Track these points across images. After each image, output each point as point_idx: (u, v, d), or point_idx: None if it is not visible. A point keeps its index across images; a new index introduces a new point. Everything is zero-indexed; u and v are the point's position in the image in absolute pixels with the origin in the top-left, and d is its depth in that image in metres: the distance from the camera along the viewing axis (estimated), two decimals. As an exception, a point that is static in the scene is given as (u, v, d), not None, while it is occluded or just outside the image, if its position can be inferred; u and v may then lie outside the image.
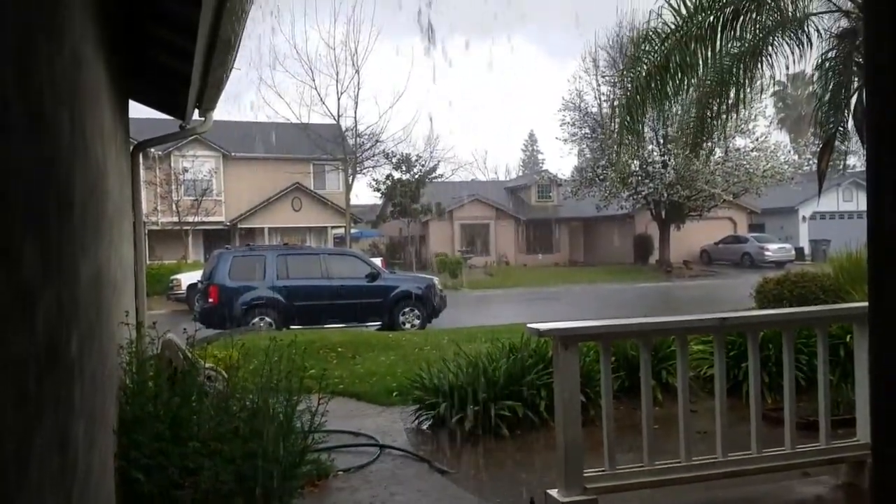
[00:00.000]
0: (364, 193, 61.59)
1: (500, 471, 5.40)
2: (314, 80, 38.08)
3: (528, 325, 4.39)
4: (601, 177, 32.51)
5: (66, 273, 2.26)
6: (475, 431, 5.82)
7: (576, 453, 4.07)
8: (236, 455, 3.83)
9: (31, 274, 1.70)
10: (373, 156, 35.44)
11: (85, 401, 2.58)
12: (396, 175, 36.19)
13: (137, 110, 7.10)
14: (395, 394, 7.42)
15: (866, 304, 1.11)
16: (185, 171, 32.30)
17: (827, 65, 9.24)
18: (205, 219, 31.70)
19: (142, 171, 7.51)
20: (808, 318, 5.34)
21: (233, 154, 34.59)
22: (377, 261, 20.29)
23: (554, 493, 4.07)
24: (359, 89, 34.84)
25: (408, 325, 15.39)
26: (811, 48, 9.39)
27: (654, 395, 5.43)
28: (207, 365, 5.06)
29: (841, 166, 31.48)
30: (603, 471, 4.18)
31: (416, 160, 36.45)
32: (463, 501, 4.87)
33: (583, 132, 35.80)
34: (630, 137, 10.33)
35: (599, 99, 34.72)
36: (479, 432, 5.82)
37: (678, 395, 4.44)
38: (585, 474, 4.10)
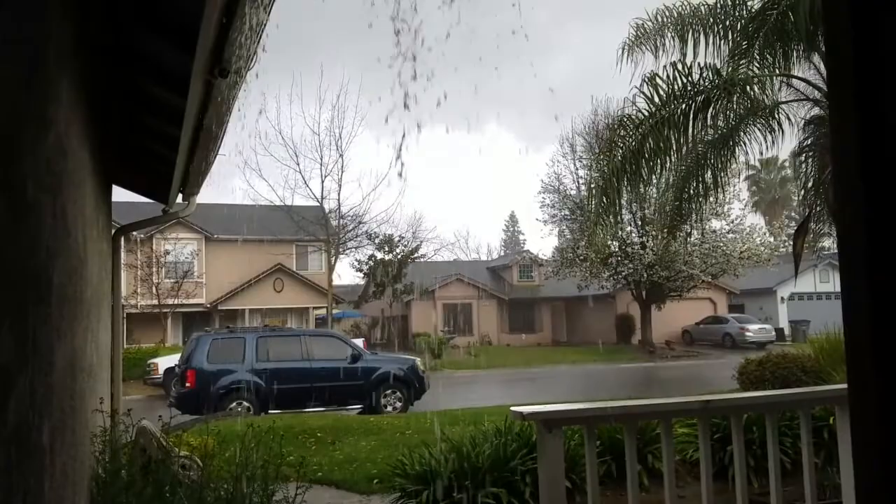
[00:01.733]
0: (346, 274, 61.53)
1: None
2: (298, 164, 38.63)
3: (512, 409, 4.32)
4: (581, 257, 32.80)
5: (41, 360, 2.22)
6: (458, 520, 5.65)
7: (561, 543, 3.95)
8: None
9: (4, 361, 1.67)
10: (355, 237, 35.56)
11: (54, 492, 2.50)
12: (379, 255, 36.34)
13: (121, 193, 7.14)
14: (375, 481, 7.22)
15: (846, 385, 1.11)
16: (167, 253, 32.06)
17: (802, 151, 9.57)
18: (185, 301, 31.24)
19: (123, 254, 7.47)
20: (791, 401, 5.32)
21: (215, 236, 34.51)
22: (359, 341, 20.11)
23: (540, 585, 3.93)
24: (342, 172, 35.39)
25: (389, 408, 15.12)
26: (782, 134, 9.74)
27: (641, 480, 5.32)
28: (182, 453, 4.92)
29: (816, 248, 32.10)
30: (590, 561, 4.05)
31: (399, 241, 36.70)
32: None
33: (562, 213, 36.45)
34: (608, 219, 10.50)
35: (577, 182, 35.54)
36: (463, 521, 5.64)
37: (664, 481, 4.36)
38: (572, 565, 3.98)
